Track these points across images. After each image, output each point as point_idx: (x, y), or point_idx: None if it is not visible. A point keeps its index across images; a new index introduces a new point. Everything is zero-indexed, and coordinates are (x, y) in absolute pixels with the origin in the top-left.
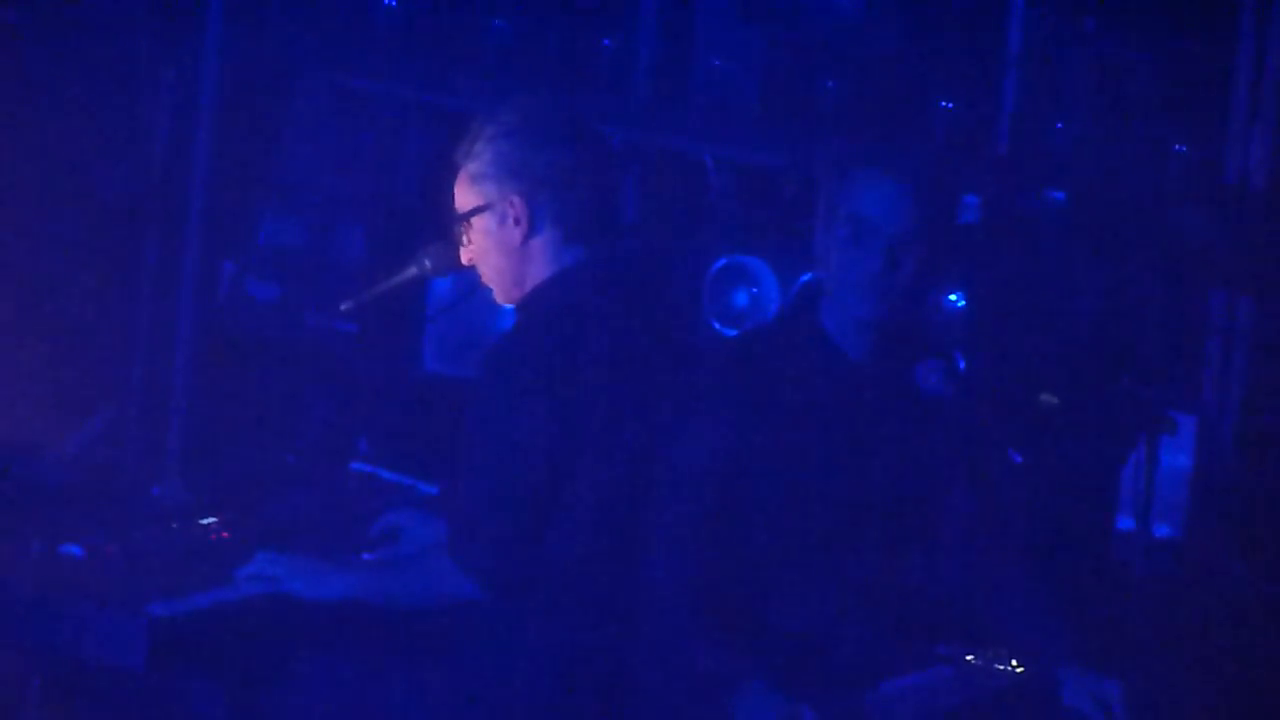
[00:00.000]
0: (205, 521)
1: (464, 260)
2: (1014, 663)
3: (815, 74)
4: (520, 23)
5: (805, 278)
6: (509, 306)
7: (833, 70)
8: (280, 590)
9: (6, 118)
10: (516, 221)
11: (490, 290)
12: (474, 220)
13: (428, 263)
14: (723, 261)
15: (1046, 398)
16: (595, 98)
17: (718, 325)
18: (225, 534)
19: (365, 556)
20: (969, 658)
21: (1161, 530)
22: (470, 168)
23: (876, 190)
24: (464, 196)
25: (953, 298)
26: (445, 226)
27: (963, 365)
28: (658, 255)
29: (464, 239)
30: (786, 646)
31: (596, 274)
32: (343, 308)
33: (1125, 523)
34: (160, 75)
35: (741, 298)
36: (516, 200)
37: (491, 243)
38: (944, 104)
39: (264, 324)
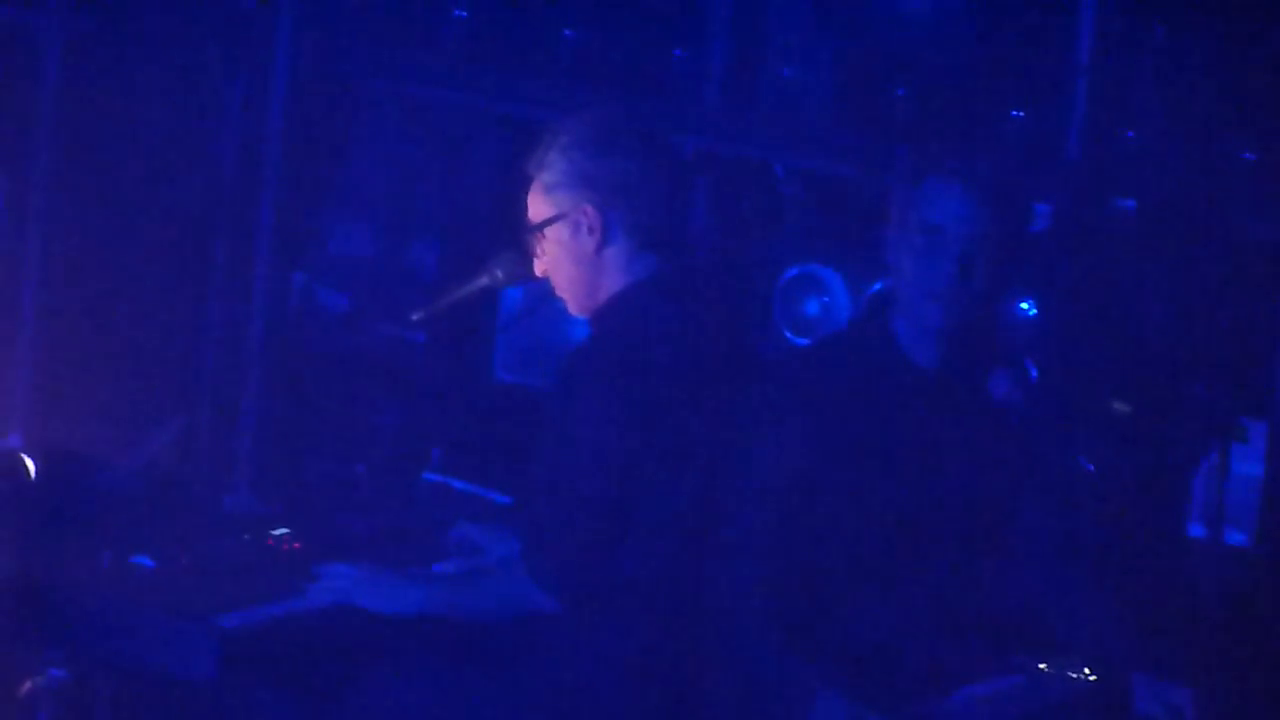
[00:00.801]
0: (276, 532)
1: (538, 271)
2: (1086, 671)
3: (886, 83)
4: (591, 32)
5: (876, 286)
6: (580, 316)
7: (903, 79)
8: (351, 602)
9: (76, 130)
10: (590, 230)
11: (561, 299)
12: (548, 230)
13: (499, 272)
14: (794, 271)
15: (1118, 405)
16: (666, 107)
17: (789, 335)
18: (296, 545)
19: (437, 568)
20: (1041, 666)
21: (1233, 538)
22: (543, 177)
23: (950, 198)
24: (537, 207)
25: (1024, 306)
26: (516, 235)
27: (1034, 373)
28: (729, 265)
29: (538, 250)
30: (859, 656)
31: (670, 285)
32: (413, 318)
33: (1197, 530)
34: (229, 86)
35: (812, 307)
36: (590, 209)
37: (565, 252)
38: (1015, 113)
39: (334, 334)
